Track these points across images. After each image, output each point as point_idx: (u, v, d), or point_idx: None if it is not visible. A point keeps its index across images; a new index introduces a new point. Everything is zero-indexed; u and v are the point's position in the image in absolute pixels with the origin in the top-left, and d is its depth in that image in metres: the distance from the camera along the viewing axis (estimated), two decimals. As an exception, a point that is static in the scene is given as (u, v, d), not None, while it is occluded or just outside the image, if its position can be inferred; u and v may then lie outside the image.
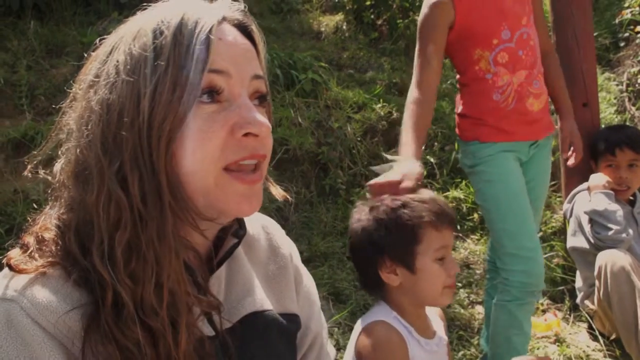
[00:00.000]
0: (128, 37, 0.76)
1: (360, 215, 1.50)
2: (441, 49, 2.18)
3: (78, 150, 0.75)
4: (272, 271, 1.00)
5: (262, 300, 0.93)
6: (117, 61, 0.75)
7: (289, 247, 1.07)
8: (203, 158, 0.74)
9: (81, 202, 0.74)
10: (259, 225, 1.04)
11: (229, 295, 0.90)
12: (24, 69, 4.00)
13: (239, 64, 0.78)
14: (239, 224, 0.90)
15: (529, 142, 2.29)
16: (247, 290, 0.92)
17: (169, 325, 0.72)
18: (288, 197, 0.95)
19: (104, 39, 0.81)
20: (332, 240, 3.57)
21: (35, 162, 0.82)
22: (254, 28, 0.85)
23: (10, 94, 3.85)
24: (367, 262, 1.49)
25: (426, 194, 1.50)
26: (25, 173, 0.83)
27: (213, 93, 0.76)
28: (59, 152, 0.79)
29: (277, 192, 0.95)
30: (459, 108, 2.33)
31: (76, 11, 4.79)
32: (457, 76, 2.35)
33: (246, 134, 0.76)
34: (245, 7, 0.85)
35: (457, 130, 2.38)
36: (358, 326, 1.48)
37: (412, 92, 2.12)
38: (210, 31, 0.75)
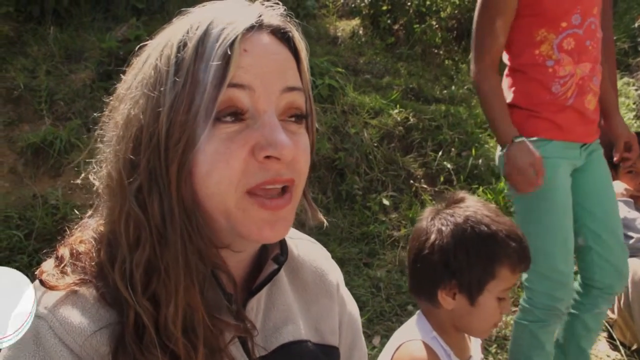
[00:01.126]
0: (159, 47, 0.72)
1: (443, 227, 1.38)
2: (509, 23, 1.94)
3: (105, 164, 0.74)
4: (315, 298, 0.95)
5: (301, 329, 0.88)
6: (144, 74, 0.72)
7: (335, 274, 1.00)
8: (220, 181, 0.68)
9: (110, 216, 0.73)
10: (305, 248, 0.98)
11: (267, 321, 0.85)
12: (43, 74, 4.05)
13: (267, 77, 0.71)
14: (281, 250, 0.84)
15: (581, 143, 2.04)
16: (286, 318, 0.87)
17: (191, 349, 0.69)
18: (324, 220, 0.86)
19: (145, 45, 0.76)
20: (348, 246, 3.56)
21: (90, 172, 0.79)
22: (295, 34, 0.76)
23: (30, 99, 3.90)
24: (429, 277, 1.39)
25: (505, 220, 1.39)
26: (80, 177, 0.80)
27: (234, 111, 0.69)
28: (95, 163, 0.77)
29: (314, 215, 0.86)
30: (509, 96, 2.04)
31: (95, 17, 4.84)
32: (508, 60, 2.08)
33: (268, 156, 0.69)
34: (285, 10, 0.77)
35: None
36: (395, 341, 1.41)
37: (483, 72, 1.95)
38: (233, 42, 0.68)
